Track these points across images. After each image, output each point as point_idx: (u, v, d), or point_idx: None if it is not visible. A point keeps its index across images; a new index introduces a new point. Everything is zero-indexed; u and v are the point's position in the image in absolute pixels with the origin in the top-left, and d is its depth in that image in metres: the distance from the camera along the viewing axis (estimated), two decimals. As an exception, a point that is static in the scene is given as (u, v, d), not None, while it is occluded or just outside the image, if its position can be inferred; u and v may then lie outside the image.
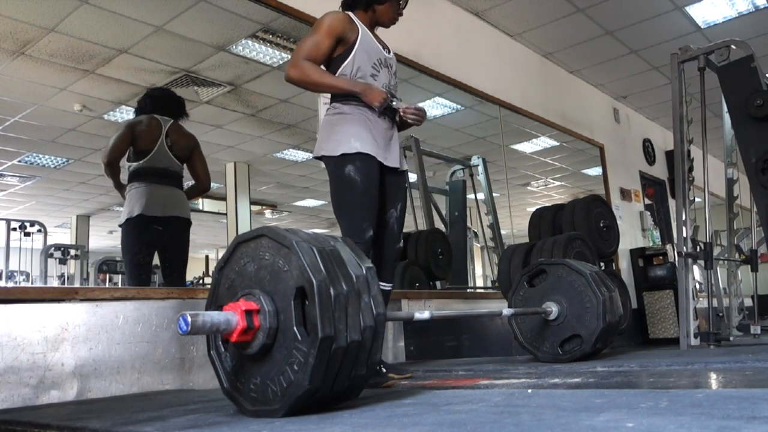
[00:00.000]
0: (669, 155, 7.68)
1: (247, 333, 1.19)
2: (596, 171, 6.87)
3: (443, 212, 5.62)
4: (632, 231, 6.83)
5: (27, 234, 6.24)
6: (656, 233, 7.40)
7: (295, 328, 1.16)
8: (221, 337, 1.27)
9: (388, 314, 1.31)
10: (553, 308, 2.36)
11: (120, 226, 3.16)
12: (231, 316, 1.19)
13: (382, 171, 2.26)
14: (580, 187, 8.37)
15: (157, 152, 3.22)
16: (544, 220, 4.58)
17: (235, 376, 1.28)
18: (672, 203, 7.26)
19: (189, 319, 1.12)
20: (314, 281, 1.14)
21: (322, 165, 2.28)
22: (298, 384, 1.14)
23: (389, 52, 2.44)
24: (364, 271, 1.25)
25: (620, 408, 1.00)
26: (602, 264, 4.45)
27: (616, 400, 1.11)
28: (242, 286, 1.27)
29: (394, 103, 2.28)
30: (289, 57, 4.67)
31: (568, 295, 2.37)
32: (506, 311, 2.20)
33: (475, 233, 6.17)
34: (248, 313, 1.19)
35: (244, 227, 5.69)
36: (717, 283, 4.60)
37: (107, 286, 5.64)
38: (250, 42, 4.43)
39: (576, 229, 4.28)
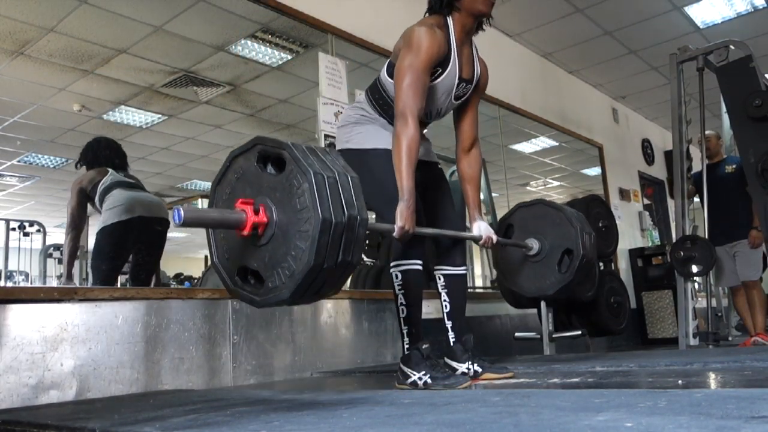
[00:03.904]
0: (668, 155, 7.69)
1: (251, 227, 1.29)
2: (595, 171, 6.87)
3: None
4: (631, 231, 6.83)
5: (26, 234, 6.23)
6: (655, 233, 7.41)
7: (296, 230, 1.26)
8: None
9: (372, 225, 1.44)
10: (534, 245, 2.36)
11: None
12: (228, 213, 1.28)
13: None
14: (579, 187, 8.38)
15: None
16: (543, 220, 4.57)
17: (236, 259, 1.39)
18: (671, 203, 7.26)
19: (182, 213, 1.18)
20: (321, 217, 1.23)
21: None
22: (299, 272, 1.25)
23: (471, 80, 2.06)
24: (356, 212, 1.32)
25: (619, 408, 1.01)
26: (601, 264, 4.45)
27: (615, 400, 1.11)
28: (250, 186, 1.35)
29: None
30: (289, 57, 4.70)
31: (546, 231, 2.39)
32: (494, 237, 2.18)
33: (475, 233, 6.17)
34: (255, 213, 1.30)
35: (244, 227, 5.68)
36: (716, 283, 4.61)
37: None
38: (249, 42, 4.43)
39: (575, 229, 4.28)
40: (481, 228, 2.11)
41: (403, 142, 1.80)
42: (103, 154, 3.17)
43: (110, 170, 3.10)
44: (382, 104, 2.02)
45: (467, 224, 2.53)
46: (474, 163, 2.19)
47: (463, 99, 2.10)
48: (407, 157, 1.79)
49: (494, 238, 2.11)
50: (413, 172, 1.82)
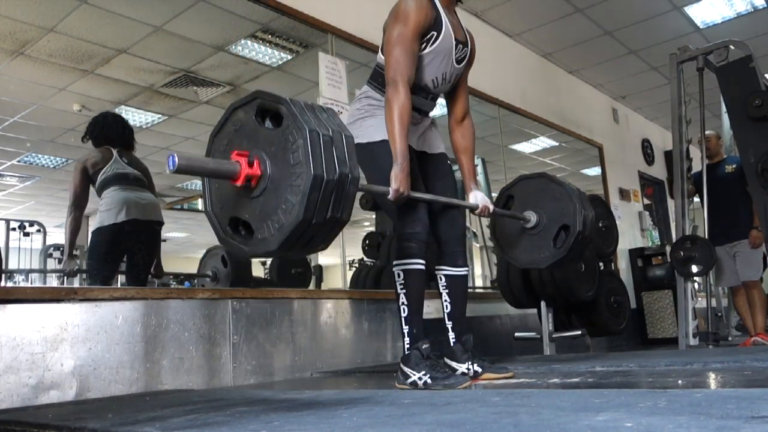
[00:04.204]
0: (668, 155, 7.69)
1: (245, 179, 1.30)
2: (595, 171, 6.87)
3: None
4: (631, 231, 6.84)
5: (26, 234, 6.23)
6: (655, 233, 7.41)
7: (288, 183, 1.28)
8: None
9: (364, 185, 1.48)
10: (532, 218, 2.37)
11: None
12: (223, 163, 1.29)
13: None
14: (579, 187, 8.39)
15: None
16: (543, 220, 4.57)
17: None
18: (671, 203, 7.27)
19: (177, 159, 1.19)
20: (313, 173, 1.24)
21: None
22: (288, 225, 1.27)
23: (466, 42, 2.12)
24: (348, 170, 1.34)
25: (619, 408, 1.01)
26: (601, 264, 4.45)
27: (615, 400, 1.11)
28: (247, 139, 1.36)
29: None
30: (289, 57, 4.70)
31: (546, 205, 2.38)
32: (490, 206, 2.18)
33: (474, 233, 6.17)
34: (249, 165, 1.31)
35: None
36: (716, 283, 4.61)
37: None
38: (249, 42, 4.43)
39: (575, 229, 4.27)
40: (477, 197, 2.12)
41: (395, 107, 1.85)
42: (110, 129, 3.14)
43: (114, 155, 3.06)
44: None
45: (467, 224, 2.52)
46: (467, 133, 2.24)
47: (464, 64, 2.14)
48: (399, 122, 1.84)
49: (491, 207, 2.13)
50: (406, 135, 1.86)
